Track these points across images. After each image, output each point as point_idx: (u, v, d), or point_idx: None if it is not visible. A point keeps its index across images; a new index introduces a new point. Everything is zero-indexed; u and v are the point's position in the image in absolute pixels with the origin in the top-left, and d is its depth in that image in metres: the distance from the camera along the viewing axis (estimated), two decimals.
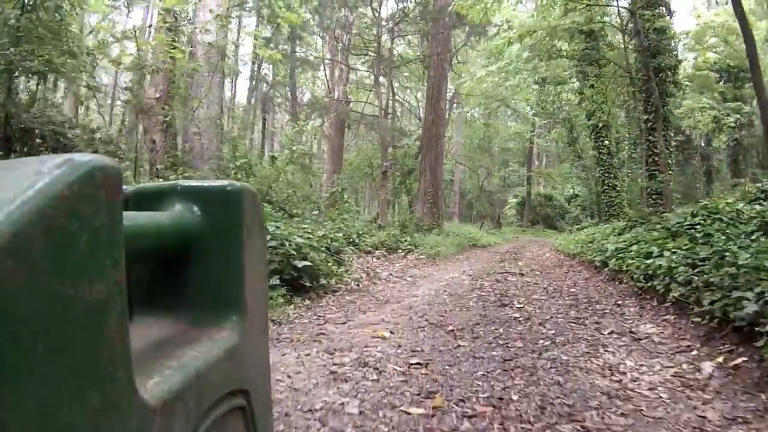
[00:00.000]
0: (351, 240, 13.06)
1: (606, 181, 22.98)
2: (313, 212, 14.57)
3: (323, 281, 7.40)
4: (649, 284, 6.77)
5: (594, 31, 20.05)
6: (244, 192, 0.70)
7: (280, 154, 20.38)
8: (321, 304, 6.69)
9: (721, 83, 28.68)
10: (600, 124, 22.79)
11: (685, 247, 6.97)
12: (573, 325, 5.59)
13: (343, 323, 5.64)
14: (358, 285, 8.29)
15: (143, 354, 0.53)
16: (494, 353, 4.39)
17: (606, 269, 9.29)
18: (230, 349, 0.64)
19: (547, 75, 31.69)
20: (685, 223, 8.57)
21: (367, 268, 10.36)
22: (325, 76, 29.30)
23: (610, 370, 4.12)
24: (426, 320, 5.84)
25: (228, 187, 0.69)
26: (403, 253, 13.68)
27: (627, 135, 28.27)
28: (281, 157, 18.22)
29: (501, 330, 5.30)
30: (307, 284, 6.93)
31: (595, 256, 10.49)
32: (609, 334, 5.25)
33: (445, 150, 30.67)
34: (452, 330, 5.33)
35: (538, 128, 40.75)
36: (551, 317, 5.94)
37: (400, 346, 4.62)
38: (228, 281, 0.68)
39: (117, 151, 10.21)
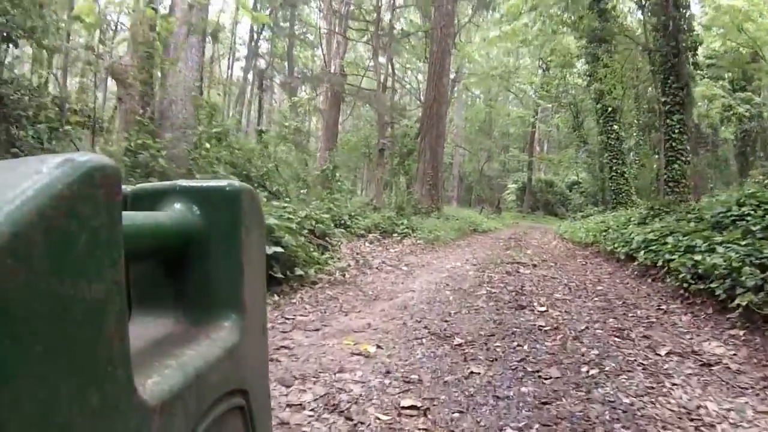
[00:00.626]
0: (341, 222, 11.81)
1: (614, 167, 21.64)
2: (302, 191, 13.31)
3: (300, 271, 6.06)
4: (700, 286, 5.47)
5: (606, 10, 18.72)
6: (243, 191, 0.69)
7: (268, 129, 19.05)
8: (293, 301, 5.37)
9: (730, 74, 27.24)
10: (609, 108, 21.42)
11: (743, 243, 5.66)
12: (617, 339, 4.28)
13: (317, 330, 4.32)
14: (343, 275, 6.98)
15: (142, 353, 0.53)
16: (523, 389, 3.08)
17: (634, 264, 7.99)
18: (229, 349, 0.63)
19: (552, 60, 30.41)
20: (730, 213, 7.26)
21: (357, 254, 9.05)
22: (321, 49, 27.78)
23: (690, 418, 2.83)
24: (425, 327, 4.54)
25: (227, 186, 0.68)
26: (399, 238, 12.37)
27: (636, 121, 26.97)
28: (270, 133, 16.93)
29: (525, 346, 3.99)
30: (279, 275, 5.61)
31: (617, 247, 9.19)
32: (667, 355, 3.94)
33: (446, 132, 29.53)
34: (460, 344, 4.02)
35: (541, 112, 39.59)
36: (586, 327, 4.63)
37: (388, 372, 3.32)
38: (227, 281, 0.68)
39: (72, 116, 8.82)
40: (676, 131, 14.57)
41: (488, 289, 6.53)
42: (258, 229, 0.74)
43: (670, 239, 7.23)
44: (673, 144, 14.47)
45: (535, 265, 8.89)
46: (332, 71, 23.33)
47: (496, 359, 3.65)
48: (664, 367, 3.67)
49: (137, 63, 11.06)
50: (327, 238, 8.65)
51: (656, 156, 15.56)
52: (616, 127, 21.59)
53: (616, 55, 17.41)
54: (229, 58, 34.25)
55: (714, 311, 5.09)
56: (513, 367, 3.47)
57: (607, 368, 3.52)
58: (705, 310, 5.22)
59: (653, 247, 7.48)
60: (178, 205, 0.67)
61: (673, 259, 6.38)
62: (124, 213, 0.46)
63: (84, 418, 0.39)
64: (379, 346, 3.94)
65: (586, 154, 29.15)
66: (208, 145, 8.93)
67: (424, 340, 4.13)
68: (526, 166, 40.86)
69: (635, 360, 3.77)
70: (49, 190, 0.37)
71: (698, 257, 5.78)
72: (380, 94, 18.59)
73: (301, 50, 32.56)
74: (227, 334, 0.65)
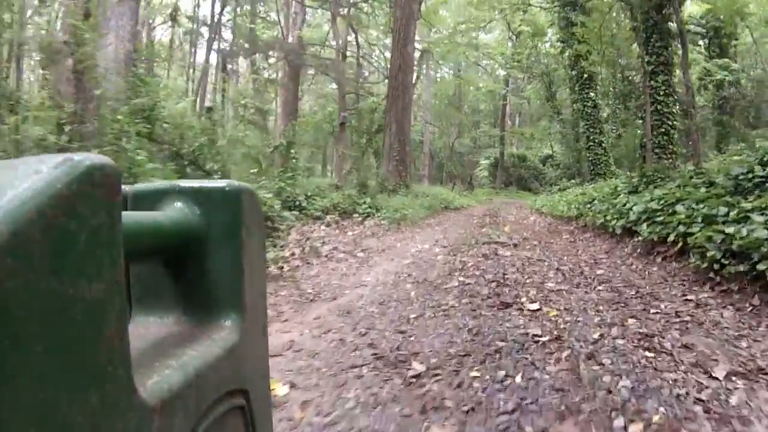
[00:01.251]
0: (296, 204, 10.42)
1: (591, 137, 20.53)
2: (252, 170, 11.89)
3: None
4: (740, 268, 4.15)
5: None
6: (243, 191, 0.68)
7: (215, 103, 17.46)
8: None
9: (705, 40, 26.13)
10: (585, 74, 20.20)
11: None
12: (648, 355, 2.92)
13: None
14: (280, 269, 5.54)
15: (142, 353, 0.53)
16: None
17: (635, 240, 6.69)
18: (230, 349, 0.62)
19: (522, 29, 29.11)
20: (753, 175, 6.00)
21: (306, 240, 7.60)
22: (279, 20, 26.03)
23: None
24: (370, 344, 3.16)
25: (227, 186, 0.67)
26: (360, 218, 10.96)
27: (612, 89, 25.80)
28: (221, 111, 15.51)
29: (518, 378, 2.60)
30: None
31: (610, 220, 7.88)
32: (728, 378, 2.61)
33: (414, 109, 28.19)
34: (418, 376, 2.64)
35: (512, 84, 38.53)
36: (600, 335, 3.26)
37: None
38: (227, 281, 0.67)
39: None
40: (662, 93, 13.35)
41: (461, 279, 5.15)
42: (258, 229, 0.72)
43: (680, 208, 5.93)
44: (659, 107, 13.23)
45: (516, 245, 7.55)
46: (290, 42, 21.71)
47: (473, 408, 2.26)
48: (732, 403, 2.34)
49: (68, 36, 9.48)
50: (270, 222, 7.22)
51: (641, 121, 14.27)
52: (592, 94, 20.41)
53: (594, 13, 16.08)
54: (190, 45, 32.50)
55: (763, 302, 3.78)
56: (502, 429, 2.08)
57: (651, 415, 2.15)
58: (749, 299, 3.91)
59: (659, 219, 6.18)
60: (178, 205, 0.66)
61: (693, 233, 5.06)
62: (124, 213, 0.46)
63: (84, 418, 0.39)
64: (293, 385, 2.55)
65: (561, 124, 27.94)
66: (120, 117, 7.37)
67: (364, 370, 2.74)
68: (498, 141, 40.02)
69: (687, 392, 2.42)
70: (48, 190, 0.37)
71: (730, 229, 4.46)
72: (339, 61, 17.01)
73: (264, 29, 30.75)
74: (228, 334, 0.64)
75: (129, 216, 0.53)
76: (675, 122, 13.86)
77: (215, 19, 28.26)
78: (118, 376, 0.42)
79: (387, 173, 16.60)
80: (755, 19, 25.21)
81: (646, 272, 5.36)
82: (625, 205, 7.83)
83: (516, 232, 9.75)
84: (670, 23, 13.72)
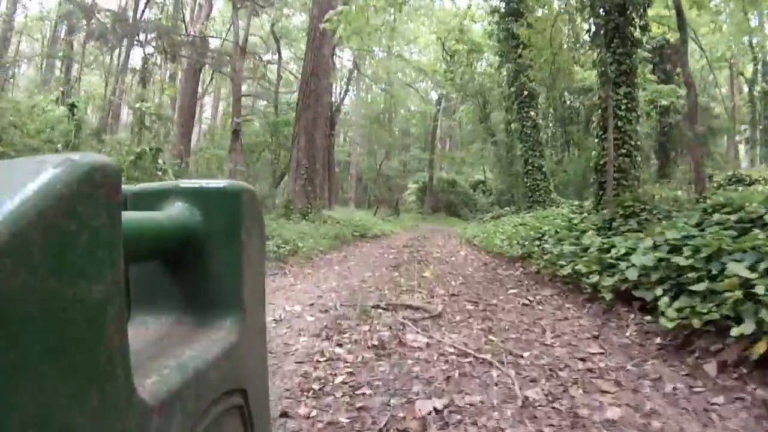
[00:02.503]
0: None
1: (530, 161, 18.14)
2: None
3: None
4: None
5: None
6: (243, 192, 0.69)
7: (78, 98, 14.16)
8: None
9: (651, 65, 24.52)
10: (525, 92, 17.85)
11: None
12: None
13: None
14: None
15: (142, 353, 0.54)
16: None
17: (645, 319, 3.86)
18: (228, 349, 0.63)
19: (456, 48, 26.95)
20: None
21: None
22: (182, 13, 22.77)
23: None
24: None
25: (227, 187, 0.68)
26: None
27: (552, 111, 23.71)
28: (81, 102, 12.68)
29: None
30: None
31: (586, 273, 4.99)
32: None
33: (344, 129, 25.48)
34: None
35: (443, 104, 36.63)
36: None
37: None
38: (227, 281, 0.67)
39: None
40: (623, 107, 10.88)
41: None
42: (258, 230, 0.73)
43: (735, 267, 3.18)
44: (619, 123, 10.73)
45: (439, 315, 4.58)
46: (192, 36, 18.48)
47: None
48: None
49: None
50: None
51: (597, 140, 11.70)
52: (532, 113, 18.11)
53: (541, 15, 13.72)
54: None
55: None
56: None
57: None
58: None
59: (697, 286, 3.38)
60: (178, 205, 0.66)
61: None
62: (125, 213, 0.46)
63: (83, 418, 0.39)
64: None
65: (495, 147, 25.50)
66: None
67: None
68: (427, 165, 38.05)
69: None
70: (48, 190, 0.37)
71: None
72: (237, 57, 13.83)
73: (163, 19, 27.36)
74: (226, 334, 0.64)
75: (129, 216, 0.52)
76: (638, 142, 11.46)
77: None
78: (118, 376, 0.42)
79: (293, 194, 13.53)
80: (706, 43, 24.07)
81: (715, 414, 2.47)
82: (608, 251, 5.06)
83: (441, 279, 6.84)
84: (631, 28, 11.37)
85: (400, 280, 6.61)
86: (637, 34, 11.52)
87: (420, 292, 5.74)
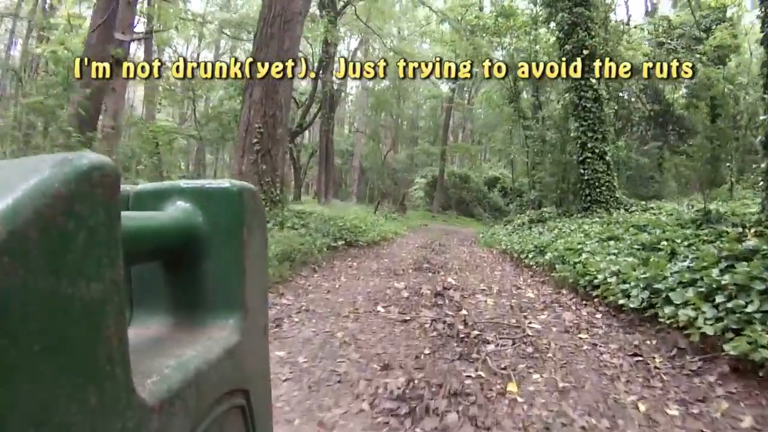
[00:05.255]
0: None
1: (590, 145, 13.55)
2: None
3: None
4: None
5: None
6: (245, 191, 0.68)
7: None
8: None
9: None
10: (585, 50, 13.37)
11: None
12: None
13: None
14: None
15: (142, 353, 0.53)
16: None
17: None
18: (230, 349, 0.63)
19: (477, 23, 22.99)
20: None
21: None
22: None
23: None
24: None
25: (229, 186, 0.67)
26: None
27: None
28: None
29: None
30: None
31: None
32: None
33: (346, 116, 21.60)
34: None
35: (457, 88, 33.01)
36: None
37: None
38: (229, 281, 0.67)
39: None
40: None
41: None
42: (260, 230, 0.72)
43: None
44: None
45: None
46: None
47: None
48: None
49: None
50: None
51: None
52: (593, 80, 13.33)
53: None
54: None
55: None
56: None
57: None
58: None
59: None
60: (179, 205, 0.66)
61: None
62: (125, 213, 0.46)
63: (82, 418, 0.39)
64: None
65: (529, 132, 20.16)
66: None
67: None
68: (438, 157, 34.21)
69: None
70: (46, 189, 0.37)
71: None
72: None
73: None
74: (228, 333, 0.65)
75: (130, 216, 0.52)
76: None
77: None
78: (117, 376, 0.42)
79: (238, 175, 9.29)
80: None
81: None
82: None
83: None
84: None
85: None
86: None
87: None
